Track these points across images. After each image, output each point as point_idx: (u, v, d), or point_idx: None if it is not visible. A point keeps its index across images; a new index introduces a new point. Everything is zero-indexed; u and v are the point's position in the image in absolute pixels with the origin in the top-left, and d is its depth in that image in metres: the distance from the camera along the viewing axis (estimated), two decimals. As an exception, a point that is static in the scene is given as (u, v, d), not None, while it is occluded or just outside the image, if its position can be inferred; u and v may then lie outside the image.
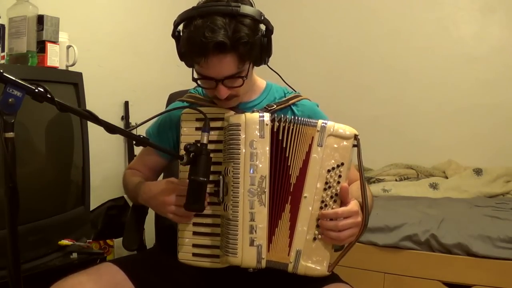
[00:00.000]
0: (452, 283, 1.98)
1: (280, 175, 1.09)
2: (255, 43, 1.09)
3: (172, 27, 1.13)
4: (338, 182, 1.08)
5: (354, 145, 1.09)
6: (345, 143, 1.08)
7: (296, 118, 1.11)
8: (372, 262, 2.09)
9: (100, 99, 2.13)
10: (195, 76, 1.15)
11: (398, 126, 3.07)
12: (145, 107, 2.47)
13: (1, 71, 0.82)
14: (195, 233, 1.16)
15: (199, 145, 1.05)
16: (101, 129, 0.95)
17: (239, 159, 1.08)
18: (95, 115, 0.93)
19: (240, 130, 1.09)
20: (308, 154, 1.09)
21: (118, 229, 1.81)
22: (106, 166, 2.30)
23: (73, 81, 1.72)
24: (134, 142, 1.10)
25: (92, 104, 1.77)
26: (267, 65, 1.21)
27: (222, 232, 1.12)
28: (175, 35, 1.14)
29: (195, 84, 1.19)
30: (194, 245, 1.16)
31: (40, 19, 1.67)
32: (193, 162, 1.04)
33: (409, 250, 2.05)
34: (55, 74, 1.70)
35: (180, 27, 1.12)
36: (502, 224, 2.05)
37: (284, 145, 1.09)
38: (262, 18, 1.10)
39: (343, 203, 1.08)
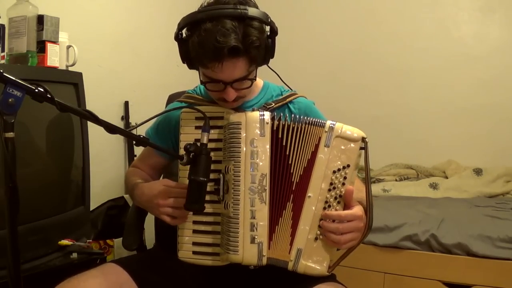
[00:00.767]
0: (452, 283, 1.98)
1: (281, 173, 1.09)
2: (264, 46, 1.10)
3: (173, 27, 1.13)
4: (343, 184, 1.08)
5: (361, 148, 1.09)
6: (352, 145, 1.08)
7: (300, 117, 1.11)
8: (372, 262, 2.09)
9: (100, 99, 2.13)
10: (203, 79, 1.14)
11: (398, 126, 3.07)
12: (145, 107, 2.48)
13: (1, 71, 0.82)
14: (195, 231, 1.16)
15: (199, 144, 1.05)
16: (101, 129, 0.95)
17: (240, 157, 1.08)
18: (95, 115, 0.93)
19: (240, 129, 1.09)
20: (314, 154, 1.09)
21: (118, 229, 1.81)
22: (106, 166, 2.30)
23: (73, 81, 1.72)
24: (134, 142, 1.10)
25: (92, 104, 1.77)
26: (267, 65, 1.21)
27: (222, 230, 1.12)
28: (179, 37, 1.12)
29: (195, 84, 1.19)
30: (194, 243, 1.16)
31: (40, 19, 1.67)
32: (193, 162, 1.04)
33: (409, 250, 2.05)
34: (55, 74, 1.70)
35: (184, 30, 1.11)
36: (502, 224, 2.05)
37: (284, 143, 1.09)
38: (269, 20, 1.11)
39: (347, 205, 1.08)
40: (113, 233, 2.07)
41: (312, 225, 1.08)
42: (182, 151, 1.08)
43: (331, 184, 1.08)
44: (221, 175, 1.12)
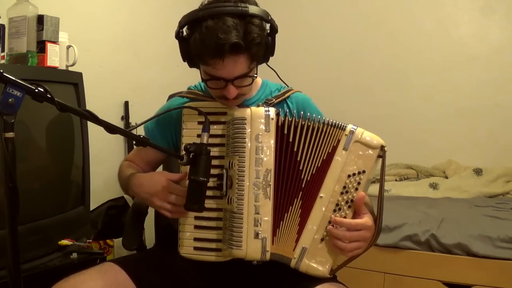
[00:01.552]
0: (452, 283, 1.98)
1: (287, 169, 1.09)
2: (264, 43, 1.10)
3: (173, 27, 1.13)
4: (356, 189, 1.08)
5: (379, 156, 1.09)
6: (370, 151, 1.08)
7: (318, 116, 1.11)
8: (372, 262, 2.09)
9: (100, 99, 2.13)
10: (204, 77, 1.15)
11: (398, 126, 3.06)
12: (145, 107, 2.47)
13: (1, 71, 0.82)
14: (196, 227, 1.16)
15: (199, 144, 1.05)
16: (101, 129, 0.95)
17: (245, 152, 1.08)
18: (95, 115, 0.93)
19: (245, 124, 1.09)
20: (331, 155, 1.09)
21: (118, 229, 1.81)
22: (106, 166, 2.30)
23: (73, 81, 1.72)
24: (134, 142, 1.09)
25: (92, 104, 1.77)
26: (266, 63, 1.21)
27: (225, 225, 1.12)
28: (179, 36, 1.13)
29: (195, 83, 1.19)
30: (196, 239, 1.16)
31: (40, 19, 1.67)
32: (193, 162, 1.04)
33: (409, 250, 2.05)
34: (55, 74, 1.70)
35: (184, 28, 1.12)
36: (502, 224, 2.05)
37: (291, 140, 1.10)
38: (269, 18, 1.11)
39: (357, 211, 1.08)
40: (113, 233, 2.07)
41: (320, 226, 1.08)
42: (183, 151, 1.08)
43: (344, 187, 1.08)
44: (224, 170, 1.12)
